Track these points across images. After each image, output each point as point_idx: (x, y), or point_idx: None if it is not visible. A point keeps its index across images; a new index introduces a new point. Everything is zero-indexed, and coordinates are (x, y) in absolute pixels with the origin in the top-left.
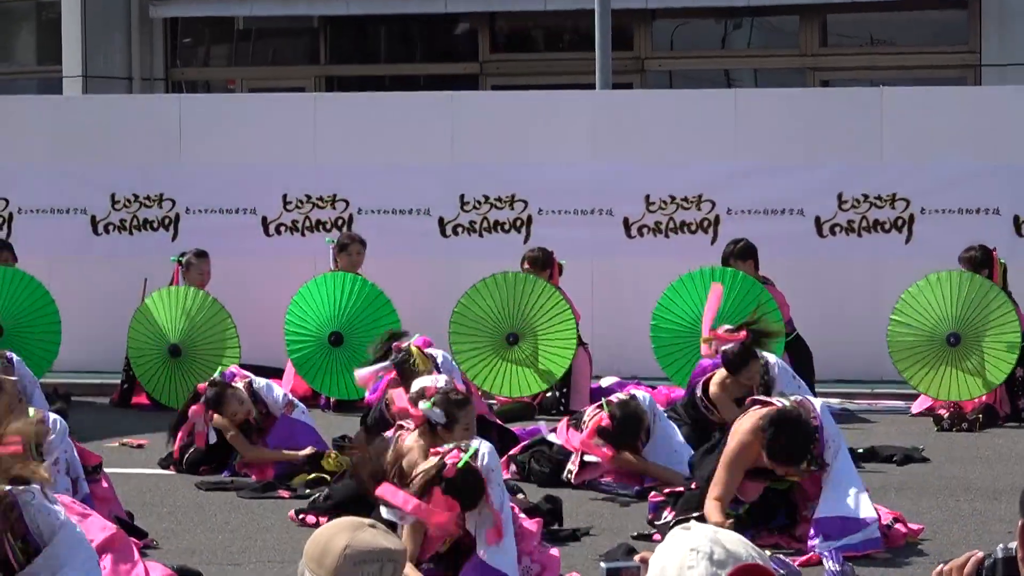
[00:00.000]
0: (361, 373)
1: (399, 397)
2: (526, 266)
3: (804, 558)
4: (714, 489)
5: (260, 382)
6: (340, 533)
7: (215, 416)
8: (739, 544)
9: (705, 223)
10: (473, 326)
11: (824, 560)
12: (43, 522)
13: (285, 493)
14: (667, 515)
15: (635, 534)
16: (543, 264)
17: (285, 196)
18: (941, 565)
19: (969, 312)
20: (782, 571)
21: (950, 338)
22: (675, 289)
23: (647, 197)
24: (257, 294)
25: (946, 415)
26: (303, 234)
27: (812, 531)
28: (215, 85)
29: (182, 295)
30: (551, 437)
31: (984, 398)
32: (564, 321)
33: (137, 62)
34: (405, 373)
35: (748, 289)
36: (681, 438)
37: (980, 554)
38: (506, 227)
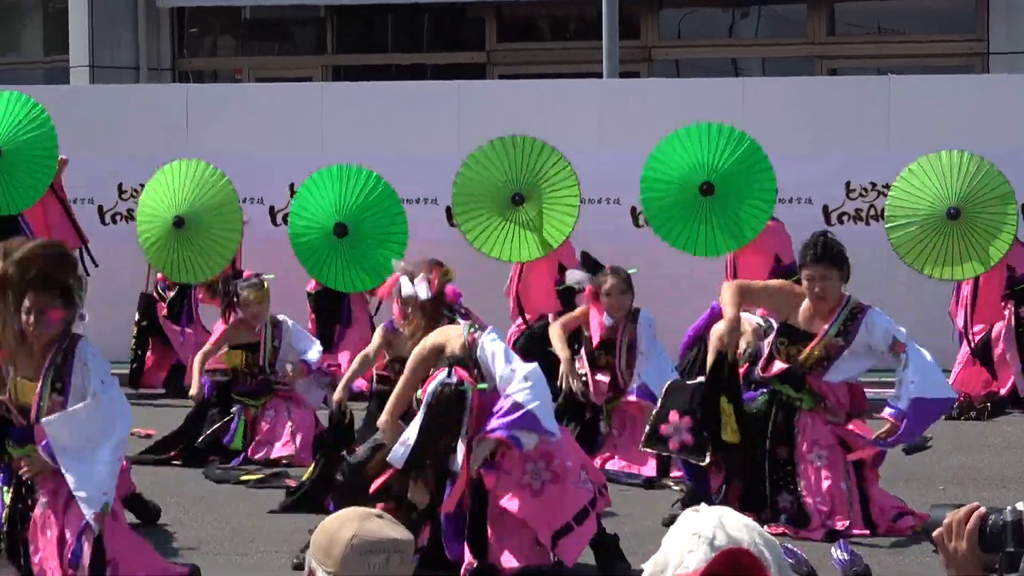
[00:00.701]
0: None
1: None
2: None
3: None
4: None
5: (293, 327)
6: (347, 523)
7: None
8: (743, 530)
9: None
10: (478, 187)
11: (833, 549)
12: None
13: (292, 482)
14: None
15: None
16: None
17: (292, 186)
18: (950, 514)
19: (965, 187)
20: (791, 560)
21: (950, 211)
22: (668, 142)
23: None
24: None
25: (955, 404)
26: None
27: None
28: (222, 75)
29: (192, 167)
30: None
31: (995, 386)
32: (569, 187)
33: (144, 52)
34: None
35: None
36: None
37: (983, 509)
38: None
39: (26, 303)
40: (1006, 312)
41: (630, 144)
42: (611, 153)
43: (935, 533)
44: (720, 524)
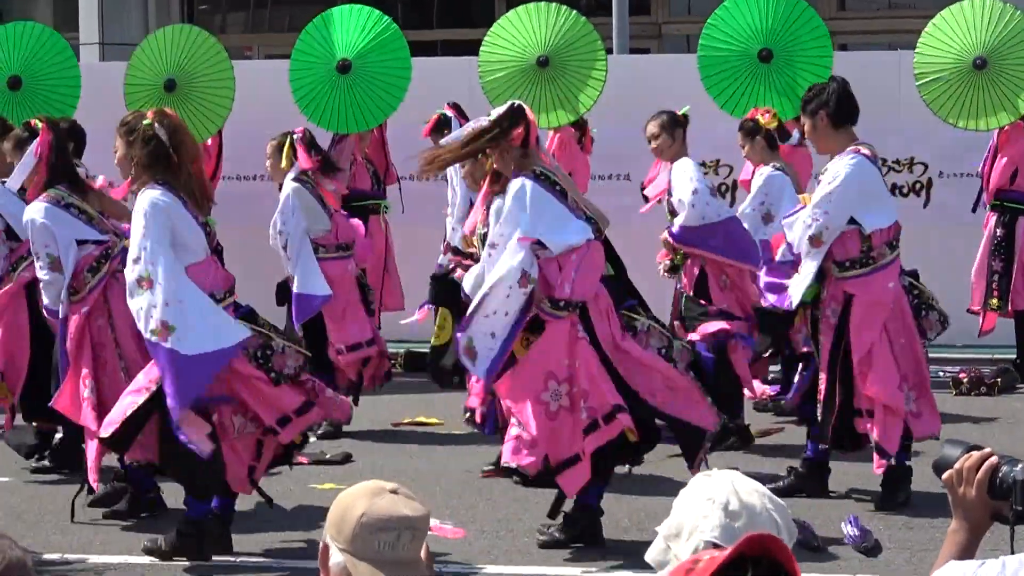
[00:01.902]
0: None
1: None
2: None
3: None
4: None
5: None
6: (359, 500)
7: None
8: (755, 495)
9: (723, 188)
10: (503, 52)
11: (843, 525)
12: None
13: (304, 459)
14: None
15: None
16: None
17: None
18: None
19: (990, 37)
20: (799, 536)
21: (976, 61)
22: (726, 8)
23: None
24: (274, 262)
25: (965, 379)
26: None
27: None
28: (232, 52)
29: (181, 32)
30: None
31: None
32: (596, 52)
33: (154, 29)
34: None
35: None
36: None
37: (994, 459)
38: None
39: None
40: (989, 223)
41: (640, 120)
42: (621, 129)
43: (944, 476)
44: (733, 489)
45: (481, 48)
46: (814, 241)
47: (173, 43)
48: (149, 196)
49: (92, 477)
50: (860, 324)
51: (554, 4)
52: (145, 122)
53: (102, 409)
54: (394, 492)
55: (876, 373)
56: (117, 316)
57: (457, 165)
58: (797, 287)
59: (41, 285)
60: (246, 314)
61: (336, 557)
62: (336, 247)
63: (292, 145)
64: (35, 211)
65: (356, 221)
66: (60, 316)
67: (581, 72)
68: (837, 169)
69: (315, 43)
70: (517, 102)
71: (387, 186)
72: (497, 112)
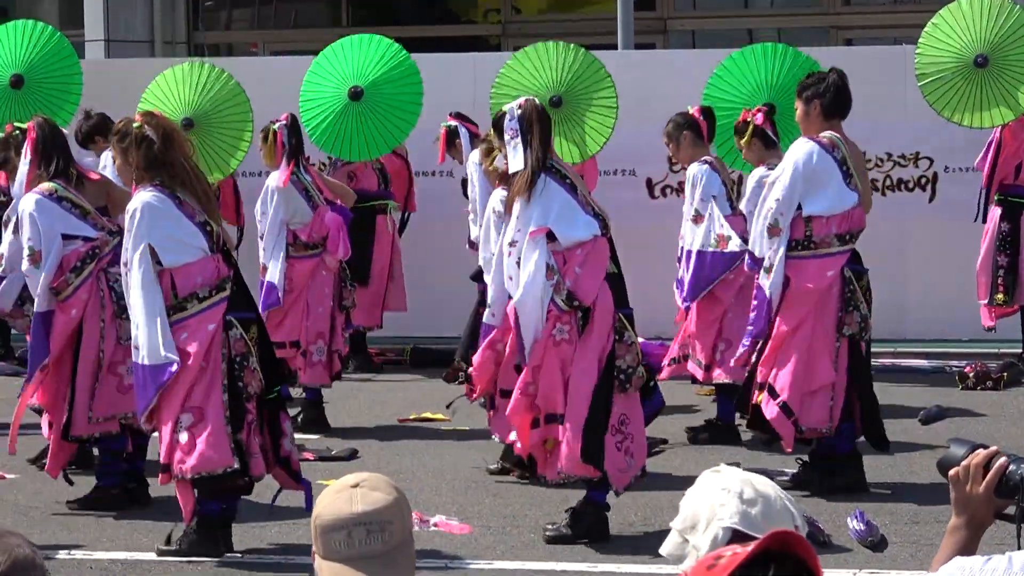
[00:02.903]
0: None
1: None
2: None
3: None
4: None
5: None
6: (322, 501)
7: None
8: (768, 486)
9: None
10: (516, 88)
11: (849, 519)
12: None
13: (309, 455)
14: None
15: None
16: None
17: (308, 158)
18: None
19: (991, 34)
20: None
21: (977, 59)
22: (725, 67)
23: (670, 158)
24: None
25: (971, 373)
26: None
27: None
28: (237, 48)
29: (197, 71)
30: None
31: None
32: (605, 88)
33: (159, 26)
34: None
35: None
36: None
37: (1003, 460)
38: None
39: None
40: (992, 220)
41: (645, 116)
42: (626, 124)
43: (951, 473)
44: (746, 479)
45: (493, 85)
46: (772, 231)
47: (185, 81)
48: (138, 199)
49: (55, 472)
50: (786, 305)
51: (571, 45)
52: (135, 125)
53: (78, 408)
54: (355, 486)
55: (780, 356)
56: (105, 317)
57: (476, 161)
58: (772, 282)
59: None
60: (246, 319)
61: (316, 561)
62: (305, 245)
63: (276, 136)
64: (25, 202)
65: (333, 216)
66: (41, 309)
67: (592, 115)
68: (788, 156)
69: (330, 66)
70: (531, 98)
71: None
72: (513, 107)
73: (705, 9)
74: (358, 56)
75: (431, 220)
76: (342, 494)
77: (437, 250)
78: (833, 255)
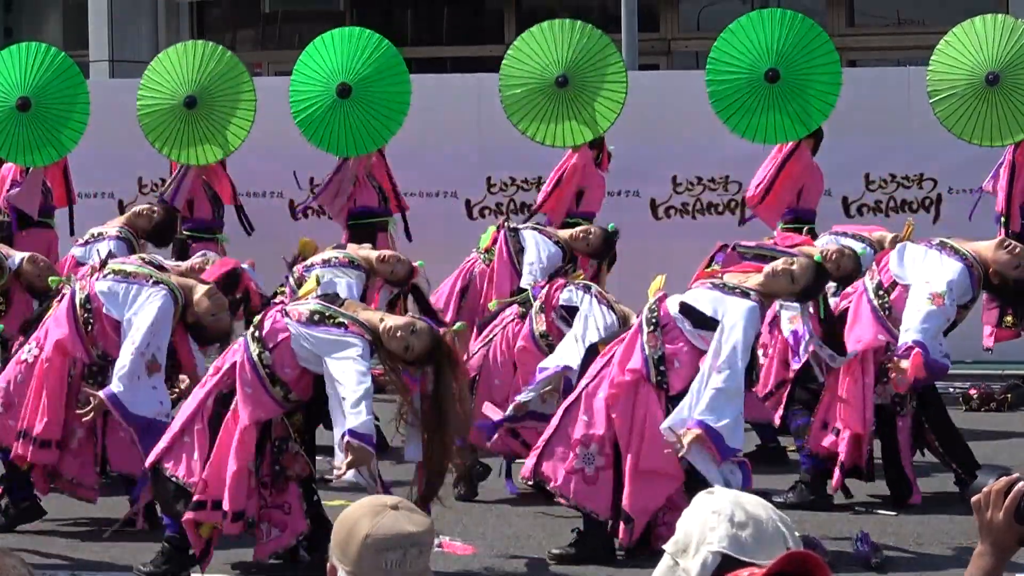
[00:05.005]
0: None
1: None
2: None
3: None
4: None
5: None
6: (361, 520)
7: None
8: (760, 507)
9: (732, 204)
10: (522, 71)
11: (853, 541)
12: None
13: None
14: None
15: None
16: None
17: (312, 179)
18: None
19: (1002, 52)
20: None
21: (988, 77)
22: (731, 31)
23: (674, 178)
24: (283, 279)
25: (975, 394)
26: (330, 218)
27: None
28: None
29: (199, 48)
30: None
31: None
32: (614, 64)
33: (164, 46)
34: None
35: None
36: None
37: (1022, 485)
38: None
39: None
40: None
41: (649, 136)
42: (630, 145)
43: (973, 499)
44: (737, 502)
45: (502, 64)
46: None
47: (187, 60)
48: None
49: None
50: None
51: (577, 23)
52: None
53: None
54: (395, 508)
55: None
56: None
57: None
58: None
59: None
60: (297, 408)
61: None
62: None
63: None
64: None
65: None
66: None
67: (601, 91)
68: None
69: (315, 63)
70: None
71: (397, 213)
72: None
73: (709, 30)
74: (347, 50)
75: (436, 240)
76: (385, 514)
77: (442, 267)
78: None
